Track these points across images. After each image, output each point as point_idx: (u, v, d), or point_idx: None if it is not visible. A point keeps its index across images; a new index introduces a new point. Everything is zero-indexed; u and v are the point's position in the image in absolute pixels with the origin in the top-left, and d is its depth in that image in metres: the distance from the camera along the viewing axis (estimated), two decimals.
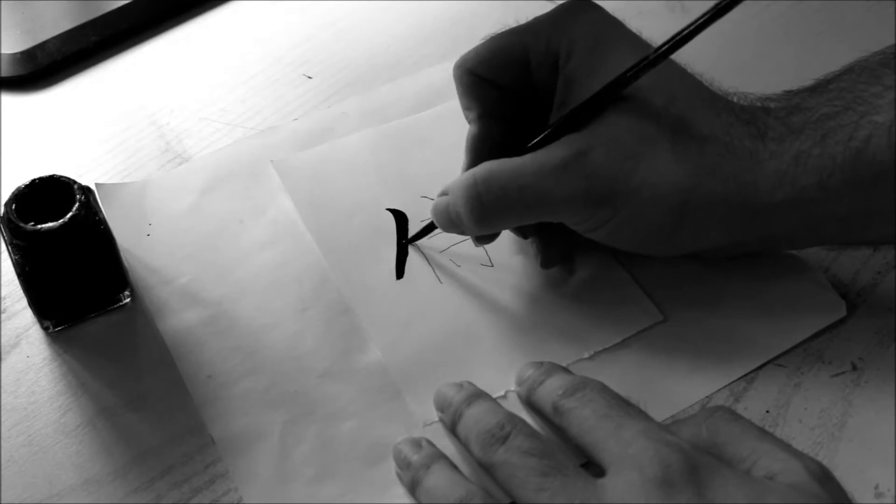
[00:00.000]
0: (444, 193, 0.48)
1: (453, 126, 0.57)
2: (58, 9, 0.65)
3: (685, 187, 0.44)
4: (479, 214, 0.46)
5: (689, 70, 0.47)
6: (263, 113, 0.59)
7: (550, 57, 0.47)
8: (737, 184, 0.44)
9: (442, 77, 0.60)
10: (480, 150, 0.48)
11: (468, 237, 0.51)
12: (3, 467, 0.44)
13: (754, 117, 0.45)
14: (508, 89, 0.48)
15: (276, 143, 0.57)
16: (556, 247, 0.49)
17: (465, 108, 0.49)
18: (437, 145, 0.56)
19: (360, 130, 0.57)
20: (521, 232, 0.51)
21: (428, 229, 0.51)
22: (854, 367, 0.47)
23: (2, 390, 0.47)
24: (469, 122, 0.49)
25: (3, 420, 0.46)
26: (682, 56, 0.44)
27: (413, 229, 0.52)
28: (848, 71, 0.45)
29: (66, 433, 0.45)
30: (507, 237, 0.52)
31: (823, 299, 0.49)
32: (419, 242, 0.52)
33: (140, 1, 0.65)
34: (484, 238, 0.49)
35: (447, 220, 0.47)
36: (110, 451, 0.45)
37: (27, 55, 0.62)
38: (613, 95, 0.44)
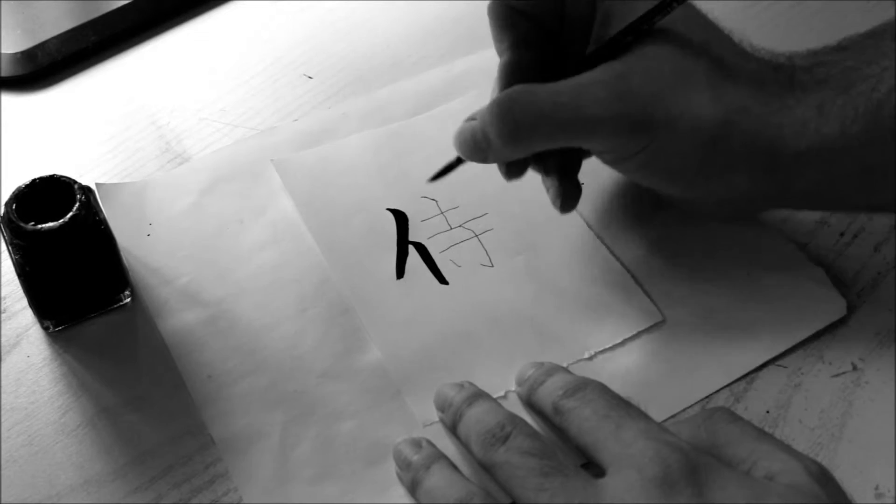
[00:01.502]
0: (471, 118, 0.46)
1: (453, 127, 0.56)
2: (58, 9, 0.65)
3: (720, 122, 0.44)
4: (510, 131, 0.44)
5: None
6: (264, 113, 0.59)
7: None
8: (766, 126, 0.44)
9: (442, 78, 0.60)
10: (511, 79, 0.47)
11: (469, 236, 0.52)
12: (3, 467, 0.44)
13: (782, 66, 0.46)
14: (541, 22, 0.48)
15: (277, 143, 0.57)
16: (575, 190, 0.49)
17: (498, 41, 0.48)
18: (437, 146, 0.56)
19: (360, 131, 0.57)
20: (544, 167, 0.49)
21: (451, 167, 0.49)
22: (854, 368, 0.47)
23: (2, 390, 0.47)
24: (500, 55, 0.48)
25: (3, 420, 0.46)
26: None
27: (413, 230, 0.52)
28: (872, 32, 0.46)
29: (66, 433, 0.45)
30: (507, 237, 0.52)
31: (824, 298, 0.49)
32: (420, 242, 0.52)
33: (140, 1, 0.65)
34: (513, 169, 0.48)
35: (472, 143, 0.46)
36: (110, 451, 0.45)
37: (27, 55, 0.62)
38: (651, 28, 0.44)
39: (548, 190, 0.50)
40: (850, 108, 0.44)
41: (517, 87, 0.44)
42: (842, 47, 0.46)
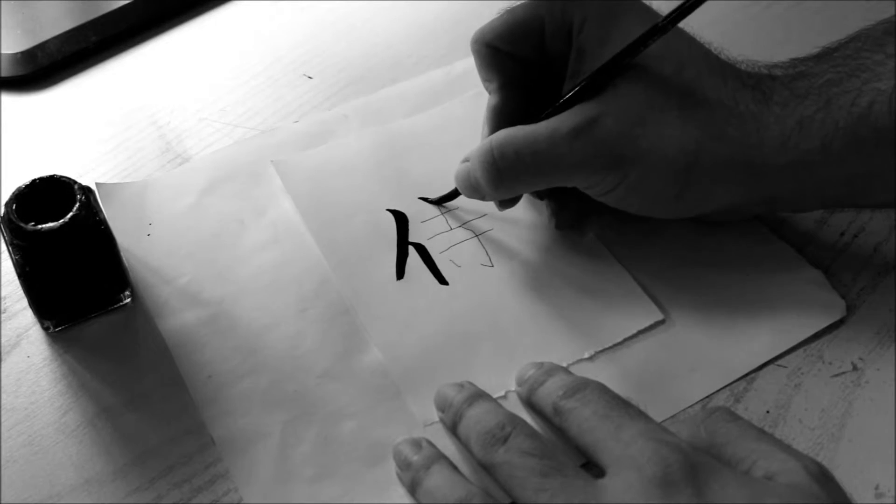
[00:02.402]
0: (466, 160, 0.49)
1: (453, 127, 0.57)
2: (58, 9, 0.65)
3: (691, 151, 0.45)
4: (496, 179, 0.47)
5: (697, 39, 0.48)
6: (264, 113, 0.59)
7: (565, 27, 0.48)
8: (742, 147, 0.45)
9: (442, 79, 0.61)
10: (499, 120, 0.49)
11: (469, 237, 0.52)
12: (3, 467, 0.44)
13: (760, 82, 0.46)
14: (525, 60, 0.50)
15: (277, 143, 0.57)
16: (569, 210, 0.51)
17: (485, 80, 0.51)
18: (437, 146, 0.56)
19: (360, 132, 0.57)
20: (538, 194, 0.52)
21: (452, 195, 0.53)
22: (854, 368, 0.47)
23: (2, 390, 0.47)
24: (489, 93, 0.51)
25: (3, 420, 0.46)
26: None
27: (413, 230, 0.53)
28: (853, 39, 0.47)
29: (66, 433, 0.45)
30: (507, 237, 0.52)
31: (823, 299, 0.49)
32: (420, 242, 0.52)
33: (140, 1, 0.65)
34: (506, 202, 0.51)
35: (468, 185, 0.49)
36: (111, 451, 0.45)
37: (27, 55, 0.62)
38: (624, 64, 0.45)
39: (545, 208, 0.53)
40: (831, 123, 0.44)
41: (499, 135, 0.47)
42: (822, 57, 0.47)
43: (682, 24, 0.45)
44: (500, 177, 0.47)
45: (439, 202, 0.53)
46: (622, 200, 0.48)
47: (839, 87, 0.45)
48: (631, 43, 0.45)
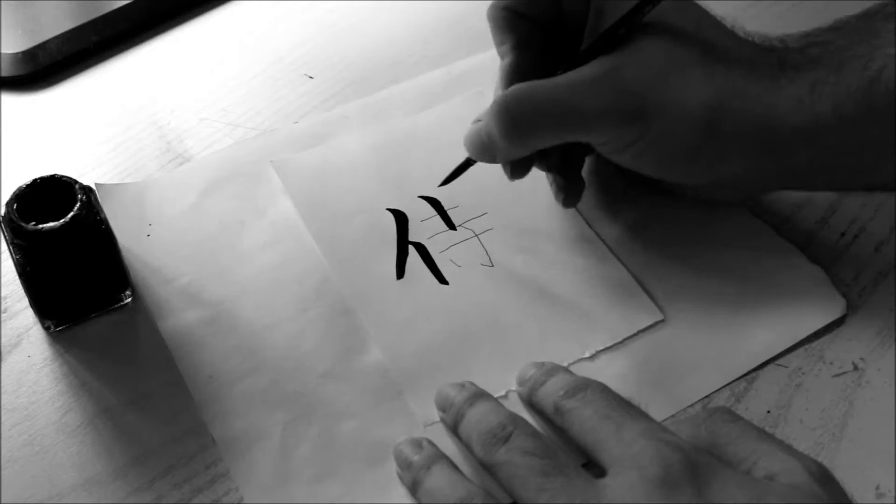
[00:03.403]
0: (477, 120, 0.48)
1: (453, 126, 0.57)
2: (58, 9, 0.65)
3: (713, 106, 0.45)
4: (511, 130, 0.46)
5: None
6: (264, 113, 0.59)
7: None
8: (759, 106, 0.45)
9: (442, 78, 0.61)
10: (513, 79, 0.48)
11: (469, 236, 0.52)
12: (3, 467, 0.44)
13: (773, 48, 0.47)
14: (540, 22, 0.49)
15: (277, 144, 0.57)
16: (577, 186, 0.51)
17: (499, 44, 0.50)
18: (437, 145, 0.56)
19: (360, 132, 0.57)
20: (547, 164, 0.51)
21: (462, 168, 0.51)
22: (855, 368, 0.47)
23: (3, 390, 0.47)
24: (502, 57, 0.50)
25: (3, 420, 0.46)
26: None
27: (413, 229, 0.52)
28: (865, 12, 0.47)
29: (66, 433, 0.45)
30: (507, 237, 0.52)
31: (824, 298, 0.49)
32: (420, 242, 0.52)
33: (140, 1, 0.65)
34: (517, 169, 0.49)
35: (479, 144, 0.48)
36: (111, 451, 0.45)
37: (27, 55, 0.62)
38: (644, 13, 0.45)
39: (551, 185, 0.52)
40: (843, 87, 0.44)
41: (516, 86, 0.46)
42: (834, 28, 0.47)
43: None
44: (517, 128, 0.46)
45: (448, 180, 0.51)
46: (639, 157, 0.47)
47: (850, 51, 0.45)
48: None
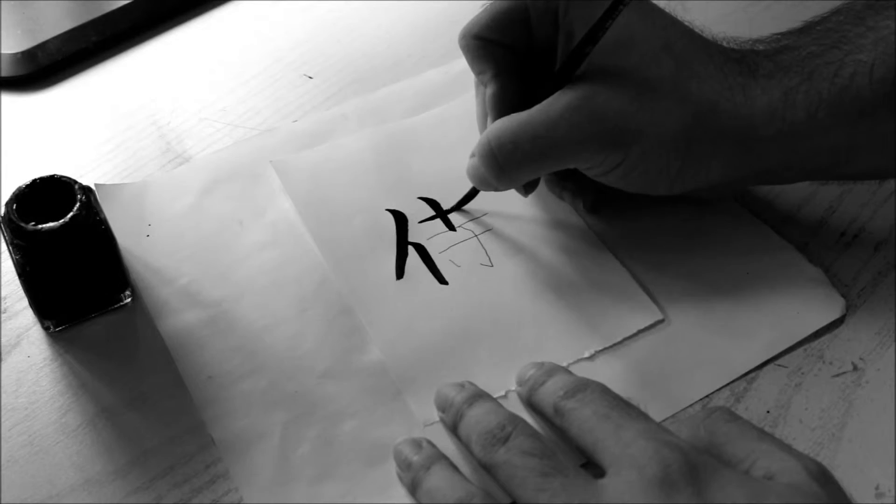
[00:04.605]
0: (472, 155, 0.49)
1: (453, 127, 0.57)
2: (58, 9, 0.65)
3: (689, 124, 0.46)
4: (498, 171, 0.47)
5: (679, 19, 0.48)
6: (264, 113, 0.59)
7: (549, 12, 0.48)
8: (734, 119, 0.46)
9: (441, 79, 0.61)
10: (500, 108, 0.49)
11: (469, 237, 0.52)
12: (3, 467, 0.44)
13: (744, 57, 0.47)
14: (514, 48, 0.49)
15: (276, 144, 0.57)
16: (588, 193, 0.52)
17: (479, 73, 0.50)
18: (436, 146, 0.56)
19: (359, 132, 0.57)
20: (559, 186, 0.53)
21: (470, 195, 0.53)
22: (855, 368, 0.47)
23: (2, 390, 0.47)
24: (484, 85, 0.50)
25: (3, 420, 0.46)
26: None
27: (413, 230, 0.52)
28: (835, 12, 0.48)
29: (66, 433, 0.45)
30: (506, 237, 0.52)
31: (823, 298, 0.49)
32: (419, 242, 0.52)
33: (140, 1, 0.65)
34: (527, 187, 0.51)
35: (478, 179, 0.49)
36: (111, 451, 0.45)
37: (27, 55, 0.62)
38: (605, 29, 0.45)
39: (562, 198, 0.53)
40: (815, 94, 0.45)
41: (495, 126, 0.47)
42: (804, 30, 0.48)
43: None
44: (502, 168, 0.47)
45: (460, 206, 0.53)
46: (622, 179, 0.48)
47: (821, 58, 0.46)
48: (609, 7, 0.44)
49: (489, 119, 0.50)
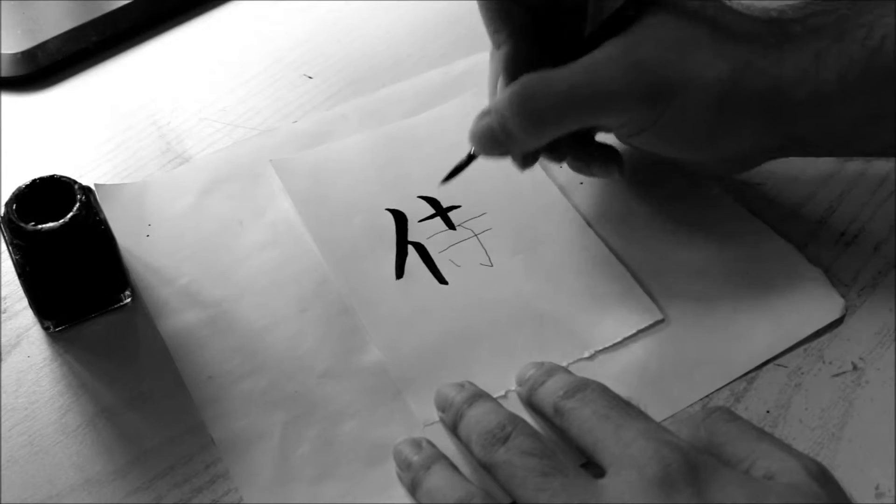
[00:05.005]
0: (485, 114, 0.47)
1: (453, 127, 0.57)
2: (58, 9, 0.65)
3: (726, 80, 0.45)
4: (532, 120, 0.45)
5: None
6: (264, 113, 0.59)
7: None
8: (768, 78, 0.46)
9: (441, 79, 0.61)
10: (515, 69, 0.48)
11: (468, 236, 0.52)
12: (3, 467, 0.44)
13: (774, 20, 0.47)
14: (536, 6, 0.49)
15: (276, 144, 0.57)
16: (605, 154, 0.50)
17: (494, 32, 0.49)
18: (436, 146, 0.56)
19: (359, 132, 0.57)
20: (558, 153, 0.51)
21: (463, 164, 0.50)
22: (855, 368, 0.47)
23: (2, 390, 0.47)
24: (498, 46, 0.49)
25: (3, 420, 0.46)
26: None
27: (412, 229, 0.52)
28: None
29: (66, 433, 0.45)
30: (506, 237, 0.52)
31: (823, 299, 0.49)
32: (419, 242, 0.52)
33: (140, 1, 0.65)
34: (528, 160, 0.49)
35: (492, 139, 0.47)
36: (111, 452, 0.45)
37: (27, 55, 0.62)
38: None
39: (578, 170, 0.52)
40: (846, 56, 0.45)
41: (530, 77, 0.45)
42: None
43: None
44: (539, 117, 0.45)
45: (450, 177, 0.50)
46: (656, 138, 0.47)
47: (852, 21, 0.45)
48: None
49: (501, 81, 0.48)
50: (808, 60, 0.45)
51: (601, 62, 0.45)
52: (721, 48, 0.45)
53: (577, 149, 0.51)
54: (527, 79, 0.45)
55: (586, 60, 0.45)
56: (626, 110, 0.46)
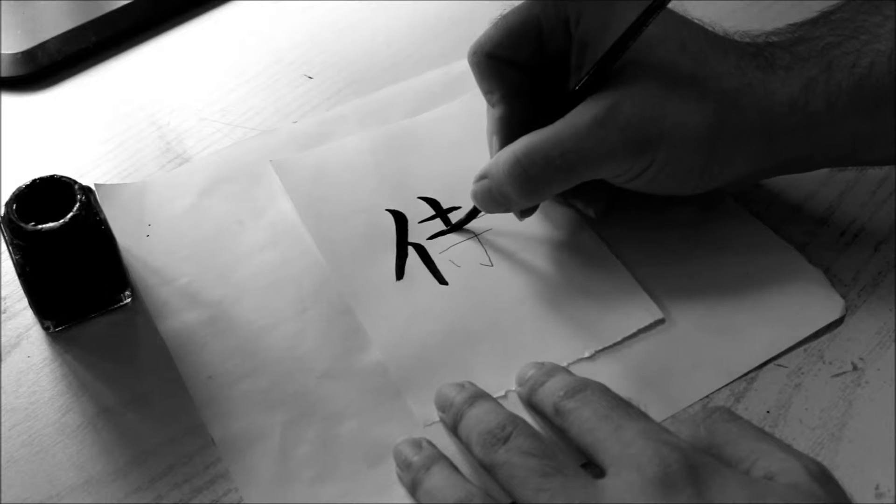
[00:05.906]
0: (482, 177, 0.49)
1: (452, 127, 0.57)
2: (58, 9, 0.65)
3: (712, 123, 0.46)
4: (527, 187, 0.47)
5: (690, 18, 0.48)
6: (264, 113, 0.59)
7: (561, 23, 0.48)
8: (756, 113, 0.46)
9: (441, 79, 0.61)
10: (508, 131, 0.49)
11: (469, 237, 0.52)
12: (3, 467, 0.44)
13: (761, 50, 0.47)
14: (525, 66, 0.50)
15: (276, 144, 0.57)
16: (601, 199, 0.51)
17: (487, 93, 0.50)
18: (436, 146, 0.56)
19: (359, 132, 0.57)
20: (565, 201, 0.52)
21: (471, 215, 0.52)
22: (855, 368, 0.47)
23: (2, 390, 0.47)
24: (492, 105, 0.50)
25: (3, 420, 0.46)
26: None
27: (412, 230, 0.52)
28: (850, 1, 0.48)
29: (66, 433, 0.45)
30: (506, 237, 0.52)
31: (823, 298, 0.49)
32: (418, 243, 0.52)
33: (140, 1, 0.65)
34: (528, 211, 0.50)
35: (491, 201, 0.49)
36: (111, 452, 0.45)
37: (27, 55, 0.62)
38: (627, 47, 0.45)
39: (572, 206, 0.53)
40: (834, 85, 0.45)
41: (522, 142, 0.47)
42: (820, 20, 0.48)
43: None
44: (533, 184, 0.47)
45: (460, 226, 0.52)
46: (650, 183, 0.48)
47: (839, 49, 0.46)
48: (632, 23, 0.44)
49: (495, 143, 0.50)
50: (796, 91, 0.46)
51: (587, 124, 0.46)
52: (704, 91, 0.46)
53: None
54: (518, 146, 0.47)
55: (572, 121, 0.46)
56: (614, 167, 0.47)
